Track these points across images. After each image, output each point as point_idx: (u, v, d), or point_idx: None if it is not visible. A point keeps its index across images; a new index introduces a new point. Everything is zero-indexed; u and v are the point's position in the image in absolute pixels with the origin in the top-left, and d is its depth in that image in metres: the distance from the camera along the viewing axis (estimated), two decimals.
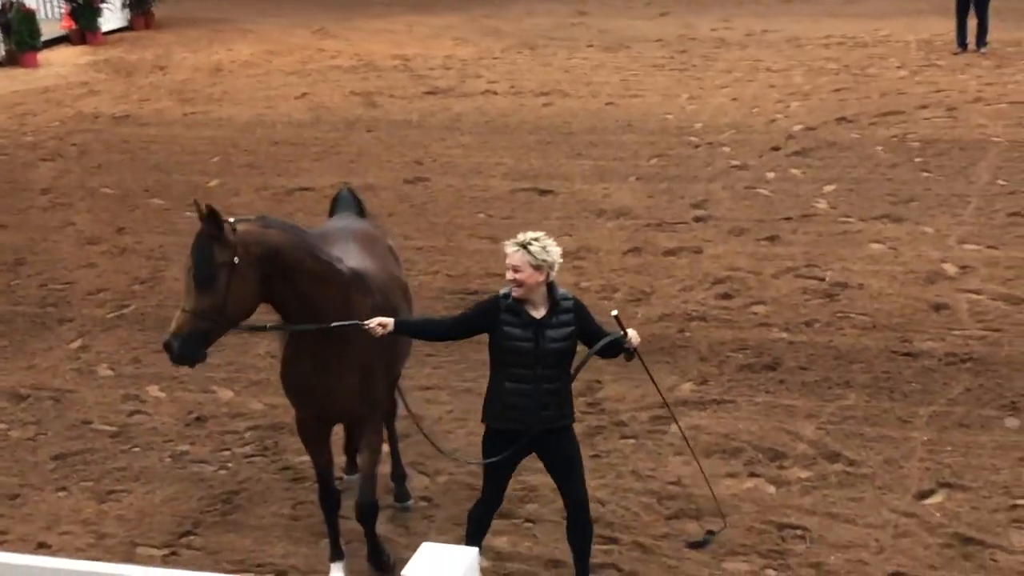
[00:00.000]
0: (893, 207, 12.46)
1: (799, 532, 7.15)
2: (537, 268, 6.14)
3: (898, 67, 18.34)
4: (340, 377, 6.45)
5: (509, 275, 6.21)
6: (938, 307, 10.12)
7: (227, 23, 25.25)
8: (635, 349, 6.32)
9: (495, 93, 18.10)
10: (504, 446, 6.26)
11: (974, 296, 10.32)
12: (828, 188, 13.12)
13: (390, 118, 16.94)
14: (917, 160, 13.87)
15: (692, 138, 15.26)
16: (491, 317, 6.24)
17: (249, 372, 9.57)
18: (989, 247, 11.30)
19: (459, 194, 13.62)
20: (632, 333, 6.28)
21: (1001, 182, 12.98)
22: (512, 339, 6.17)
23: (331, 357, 6.41)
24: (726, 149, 14.73)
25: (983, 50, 18.90)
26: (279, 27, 24.49)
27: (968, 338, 9.55)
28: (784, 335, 9.82)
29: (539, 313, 6.20)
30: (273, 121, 16.99)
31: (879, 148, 14.37)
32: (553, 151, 15.01)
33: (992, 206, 12.34)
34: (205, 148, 15.81)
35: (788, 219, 12.30)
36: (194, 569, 6.78)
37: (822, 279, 10.83)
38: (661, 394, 7.61)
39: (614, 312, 6.36)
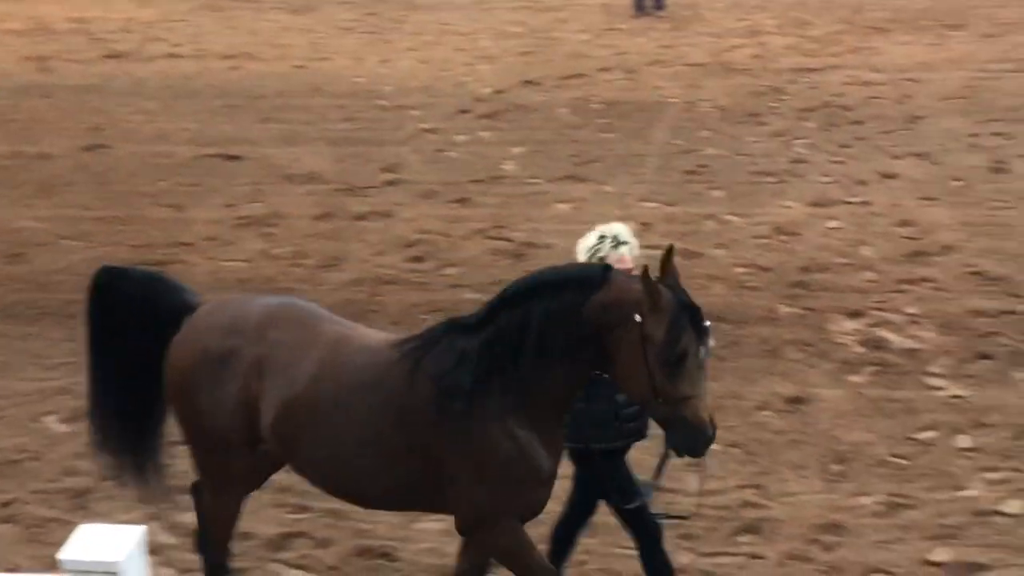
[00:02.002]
0: (577, 168, 12.79)
1: None
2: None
3: (581, 31, 18.80)
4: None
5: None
6: None
7: None
8: None
9: (179, 56, 17.53)
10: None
11: (652, 251, 10.70)
12: (515, 150, 13.35)
13: (67, 83, 16.16)
14: (599, 121, 14.28)
15: (382, 101, 15.22)
16: None
17: None
18: (666, 204, 11.76)
19: (142, 161, 13.15)
20: None
21: (677, 141, 13.52)
22: None
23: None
24: (416, 112, 14.77)
25: (661, 13, 19.61)
26: None
27: None
28: (475, 296, 9.91)
29: None
30: None
31: (564, 110, 14.72)
32: (240, 115, 14.68)
33: (669, 164, 12.84)
34: None
35: (477, 181, 12.45)
36: None
37: (510, 240, 11.03)
38: None
39: None
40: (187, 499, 6.10)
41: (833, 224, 11.23)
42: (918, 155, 12.81)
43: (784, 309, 9.64)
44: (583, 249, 5.59)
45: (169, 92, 15.69)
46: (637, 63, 16.67)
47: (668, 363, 4.92)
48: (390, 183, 12.47)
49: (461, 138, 13.82)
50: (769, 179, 12.37)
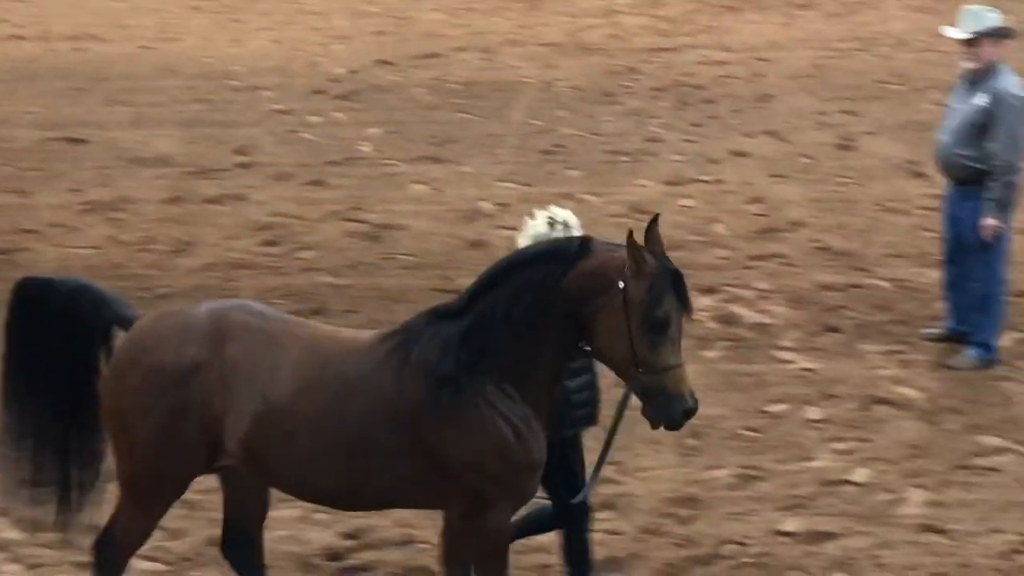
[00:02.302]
0: (434, 148, 12.74)
1: None
2: None
3: (436, 10, 18.69)
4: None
5: None
6: (477, 244, 10.45)
7: None
8: None
9: (21, 38, 16.95)
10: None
11: (510, 232, 10.73)
12: (371, 131, 13.23)
13: None
14: (456, 101, 14.23)
15: (233, 82, 14.94)
16: None
17: None
18: (523, 184, 11.78)
19: None
20: None
21: (533, 121, 13.55)
22: None
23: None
24: (269, 93, 14.53)
25: None
26: None
27: None
28: (330, 279, 9.84)
29: None
30: None
31: (419, 90, 14.64)
32: (86, 98, 14.27)
33: (526, 144, 12.87)
34: None
35: (332, 163, 12.31)
36: None
37: (367, 222, 10.93)
38: None
39: None
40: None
41: (686, 202, 11.37)
42: (768, 133, 13.04)
43: None
44: (530, 235, 5.49)
45: (12, 75, 15.17)
46: (493, 43, 16.65)
47: (651, 329, 4.87)
48: (242, 166, 12.26)
49: (315, 119, 13.65)
50: (624, 158, 12.48)
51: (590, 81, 14.87)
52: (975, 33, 7.99)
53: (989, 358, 8.18)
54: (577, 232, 5.45)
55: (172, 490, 5.42)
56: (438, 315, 5.12)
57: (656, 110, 13.88)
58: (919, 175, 11.34)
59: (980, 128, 8.00)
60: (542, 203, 11.10)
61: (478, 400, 5.02)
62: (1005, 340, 8.51)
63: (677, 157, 12.45)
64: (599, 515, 6.78)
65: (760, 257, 10.22)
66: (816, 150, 12.53)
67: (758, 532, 6.64)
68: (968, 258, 8.24)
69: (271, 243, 10.51)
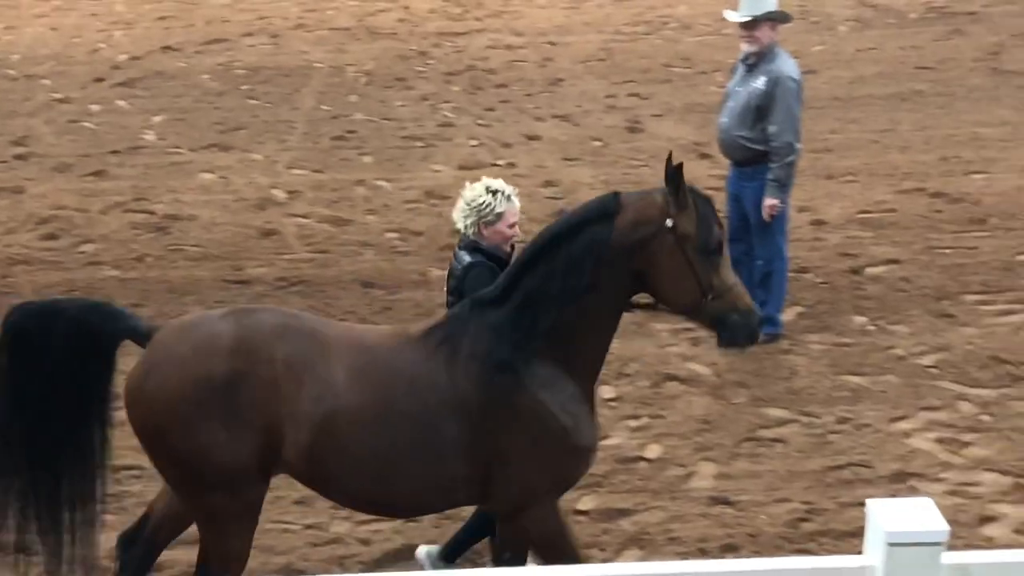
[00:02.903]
0: (222, 136, 12.44)
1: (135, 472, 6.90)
2: None
3: None
4: None
5: (514, 230, 5.63)
6: (268, 233, 10.25)
7: None
8: None
9: None
10: None
11: (302, 220, 10.57)
12: (156, 119, 12.85)
13: None
14: (244, 88, 13.93)
15: (9, 71, 14.33)
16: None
17: None
18: (315, 171, 11.61)
19: None
20: None
21: (324, 107, 13.36)
22: None
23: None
24: (46, 82, 13.97)
25: None
26: None
27: (298, 261, 9.77)
28: (115, 273, 9.52)
29: None
30: None
31: (206, 77, 14.28)
32: None
33: (317, 131, 12.68)
34: None
35: (115, 152, 11.90)
36: None
37: (152, 212, 10.60)
38: None
39: None
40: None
41: None
42: (560, 117, 13.15)
43: (436, 272, 9.67)
44: (470, 205, 5.55)
45: None
46: (281, 27, 16.36)
47: (710, 254, 4.95)
48: (20, 157, 11.75)
49: (96, 108, 13.18)
50: (418, 143, 12.41)
51: (381, 66, 14.75)
52: (754, 17, 8.17)
53: (774, 332, 8.41)
54: (515, 198, 5.57)
55: (244, 506, 5.04)
56: (480, 303, 5.06)
57: (449, 94, 13.85)
58: (705, 156, 11.58)
59: (759, 110, 8.19)
60: (335, 190, 11.10)
61: (534, 385, 4.96)
62: (788, 315, 8.76)
63: (471, 141, 12.45)
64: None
65: None
66: (606, 133, 12.69)
67: None
68: (751, 236, 8.45)
69: (51, 237, 10.10)
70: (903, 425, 7.39)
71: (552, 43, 15.73)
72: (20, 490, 5.08)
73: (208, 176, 11.45)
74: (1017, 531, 6.35)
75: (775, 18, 8.28)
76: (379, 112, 13.22)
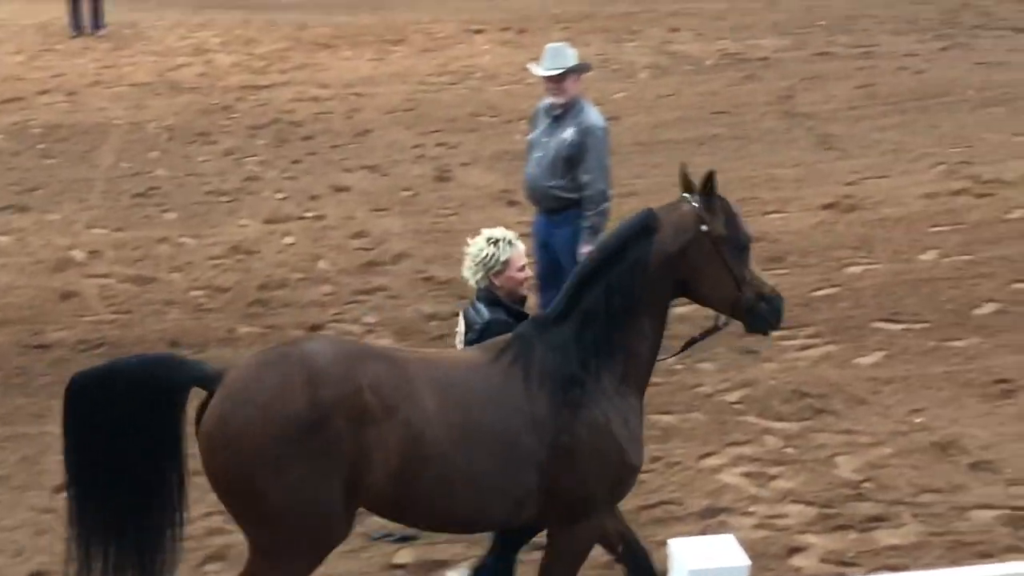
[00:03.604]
0: (18, 197, 12.07)
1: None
2: None
3: (15, 52, 17.77)
4: None
5: (524, 272, 5.85)
6: (68, 295, 9.95)
7: None
8: None
9: None
10: None
11: (103, 280, 10.28)
12: None
13: None
14: (40, 147, 13.56)
15: None
16: None
17: None
18: (116, 230, 11.33)
19: None
20: None
21: (124, 164, 13.07)
22: None
23: None
24: None
25: (101, 33, 18.92)
26: None
27: (100, 323, 9.49)
28: None
29: None
30: None
31: (0, 137, 13.83)
32: None
33: (118, 188, 12.40)
34: None
35: None
36: None
37: None
38: None
39: None
40: None
41: (289, 240, 11.27)
42: (368, 167, 13.14)
43: (244, 329, 9.53)
44: (475, 261, 5.73)
45: None
46: (77, 84, 15.98)
47: (740, 251, 5.34)
48: None
49: None
50: (223, 198, 12.24)
51: (183, 120, 14.53)
52: (561, 70, 8.28)
53: None
54: (517, 241, 5.78)
55: (324, 545, 5.05)
56: (542, 323, 5.33)
57: (254, 148, 13.71)
58: (513, 203, 11.70)
59: (570, 160, 8.26)
60: (137, 248, 10.84)
61: (600, 399, 5.20)
62: None
63: (277, 195, 12.34)
64: (208, 567, 6.57)
65: (365, 291, 10.24)
66: (415, 182, 12.72)
67: (372, 568, 6.58)
68: (562, 282, 8.50)
69: None
70: (712, 461, 7.54)
71: (358, 94, 15.73)
72: (99, 550, 5.05)
73: (3, 239, 11.06)
74: (823, 560, 6.52)
75: (580, 70, 8.43)
76: (182, 168, 13.00)
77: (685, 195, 5.43)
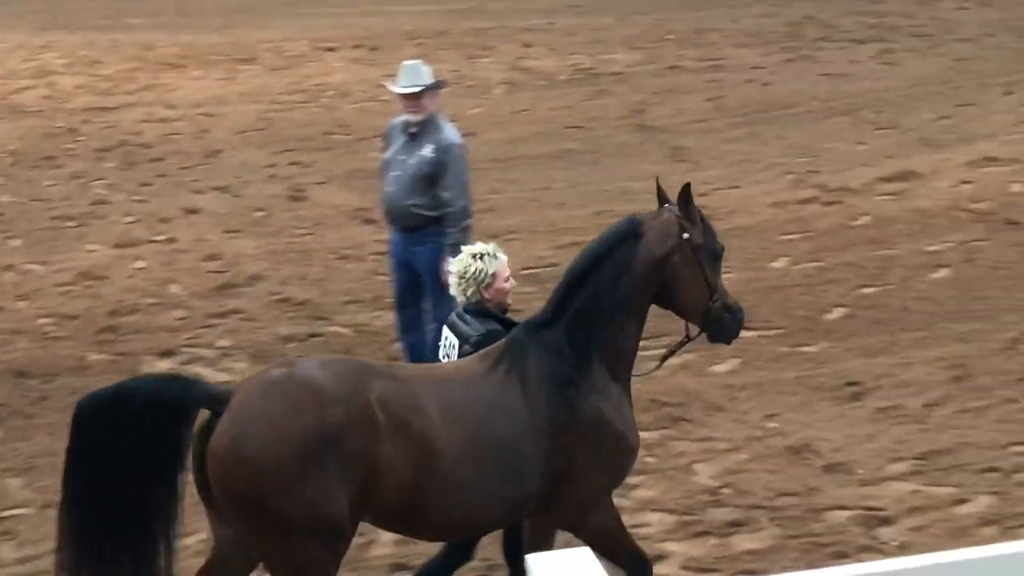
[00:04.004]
0: None
1: None
2: None
3: None
4: None
5: (510, 282, 6.01)
6: None
7: None
8: None
9: None
10: None
11: None
12: None
13: None
14: None
15: None
16: None
17: None
18: None
19: None
20: None
21: None
22: None
23: None
24: None
25: None
26: None
27: None
28: None
29: None
30: None
31: None
32: None
33: None
34: None
35: None
36: None
37: None
38: None
39: None
40: None
41: (139, 264, 11.02)
42: (219, 189, 12.93)
43: (94, 357, 9.29)
44: (464, 277, 5.89)
45: None
46: None
47: (715, 260, 5.68)
48: None
49: None
50: (70, 223, 11.94)
51: (27, 145, 14.15)
52: (418, 87, 8.24)
53: None
54: (500, 253, 5.96)
55: (335, 555, 5.14)
56: (533, 327, 5.50)
57: (101, 171, 13.41)
58: (369, 221, 11.62)
59: (430, 178, 8.21)
60: None
61: (592, 395, 5.42)
62: None
63: (126, 218, 12.07)
64: None
65: (219, 314, 10.06)
66: (268, 202, 12.56)
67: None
68: (424, 300, 8.46)
69: None
70: None
71: (208, 114, 15.48)
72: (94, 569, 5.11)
73: None
74: (684, 567, 6.59)
75: (437, 87, 8.40)
76: (27, 193, 12.66)
77: (667, 204, 5.71)
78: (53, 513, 7.14)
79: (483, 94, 16.31)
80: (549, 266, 10.76)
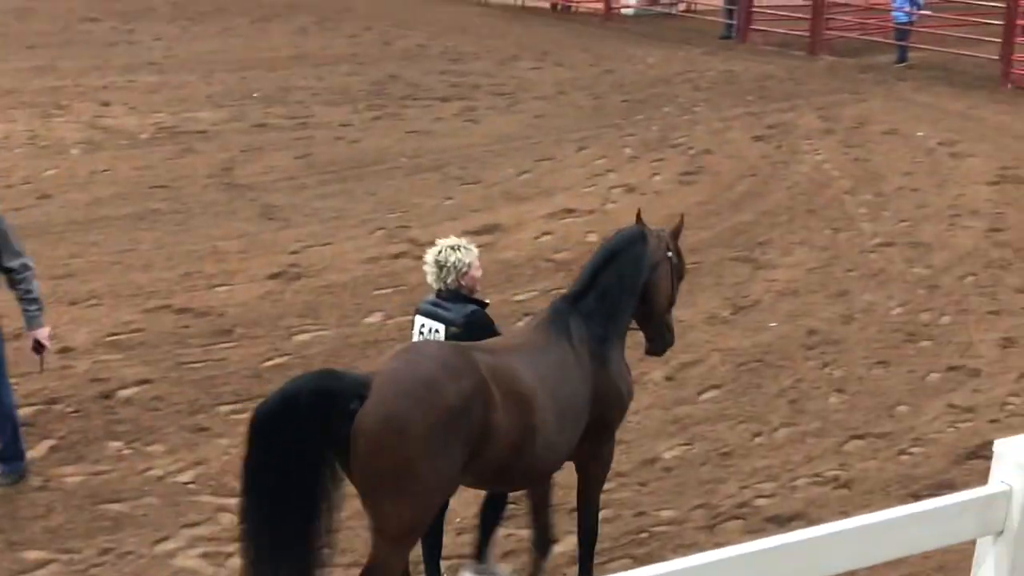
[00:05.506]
0: None
1: None
2: None
3: None
4: None
5: (480, 270, 6.70)
6: None
7: None
8: None
9: None
10: None
11: None
12: None
13: None
14: None
15: None
16: None
17: None
18: None
19: None
20: None
21: None
22: None
23: None
24: None
25: None
26: None
27: None
28: None
29: None
30: None
31: None
32: None
33: None
34: None
35: None
36: None
37: None
38: None
39: None
40: None
41: None
42: None
43: None
44: (444, 267, 6.50)
45: None
46: None
47: (680, 280, 6.92)
48: None
49: None
50: None
51: None
52: None
53: (18, 471, 7.90)
54: (472, 247, 6.62)
55: (436, 510, 5.81)
56: (570, 299, 6.47)
57: None
58: None
59: None
60: None
61: (615, 354, 6.46)
62: (39, 450, 8.28)
63: None
64: None
65: None
66: None
67: None
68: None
69: None
70: (167, 546, 7.20)
71: None
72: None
73: None
74: None
75: None
76: None
77: (660, 229, 6.90)
78: None
79: (59, 155, 15.51)
80: (136, 331, 10.32)
